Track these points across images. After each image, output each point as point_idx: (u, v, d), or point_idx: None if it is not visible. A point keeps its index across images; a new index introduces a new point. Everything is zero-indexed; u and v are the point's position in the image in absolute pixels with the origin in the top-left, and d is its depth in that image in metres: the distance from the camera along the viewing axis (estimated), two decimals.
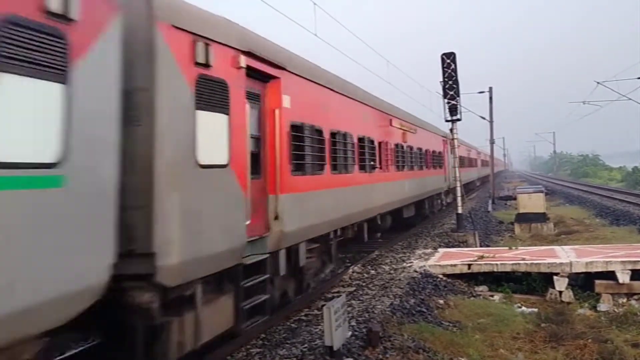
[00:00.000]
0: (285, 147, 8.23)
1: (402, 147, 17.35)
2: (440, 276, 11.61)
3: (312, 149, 9.39)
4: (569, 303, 10.47)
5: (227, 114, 6.40)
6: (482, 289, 11.42)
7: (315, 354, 6.78)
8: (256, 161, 7.58)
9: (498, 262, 11.57)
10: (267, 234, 7.62)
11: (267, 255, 7.48)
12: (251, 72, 7.26)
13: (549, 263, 11.10)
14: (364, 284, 11.31)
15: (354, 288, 10.96)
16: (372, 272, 12.52)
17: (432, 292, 10.52)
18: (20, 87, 3.82)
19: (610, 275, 10.57)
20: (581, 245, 14.46)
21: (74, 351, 6.80)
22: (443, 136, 25.95)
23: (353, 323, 7.93)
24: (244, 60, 6.87)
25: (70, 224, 4.21)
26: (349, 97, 11.87)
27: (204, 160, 5.92)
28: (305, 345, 7.21)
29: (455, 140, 19.59)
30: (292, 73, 8.66)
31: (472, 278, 11.72)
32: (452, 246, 16.07)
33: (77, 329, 4.77)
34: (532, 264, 11.25)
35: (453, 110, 18.69)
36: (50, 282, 4.01)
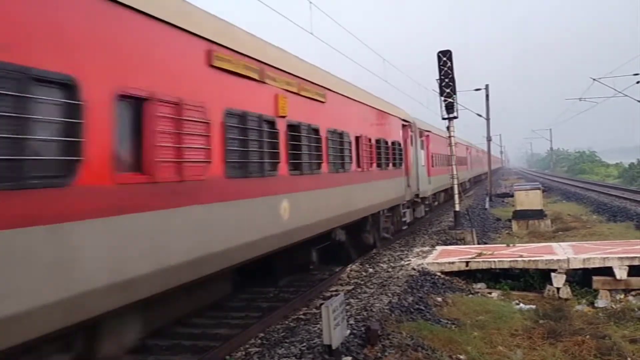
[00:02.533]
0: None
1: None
2: (438, 274, 11.61)
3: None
4: (566, 299, 10.49)
5: (423, 149, 21.40)
6: (480, 286, 11.44)
7: (314, 352, 6.78)
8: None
9: (496, 259, 11.59)
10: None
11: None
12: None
13: (546, 260, 11.12)
14: (362, 282, 11.32)
15: (352, 287, 10.97)
16: (370, 270, 12.52)
17: (431, 290, 10.52)
18: (416, 151, 19.88)
19: (608, 272, 10.59)
20: (578, 241, 14.49)
21: None
22: (467, 144, 44.81)
23: (351, 321, 7.92)
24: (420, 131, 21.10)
25: (400, 180, 16.77)
26: (436, 134, 24.68)
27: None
28: (304, 344, 7.21)
29: (452, 138, 19.62)
30: (430, 132, 23.37)
31: (470, 275, 11.73)
32: (450, 244, 16.07)
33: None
34: (529, 260, 11.27)
35: (450, 108, 18.70)
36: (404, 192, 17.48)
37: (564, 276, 10.79)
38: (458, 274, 11.76)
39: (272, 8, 12.36)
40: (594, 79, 36.47)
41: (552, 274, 10.81)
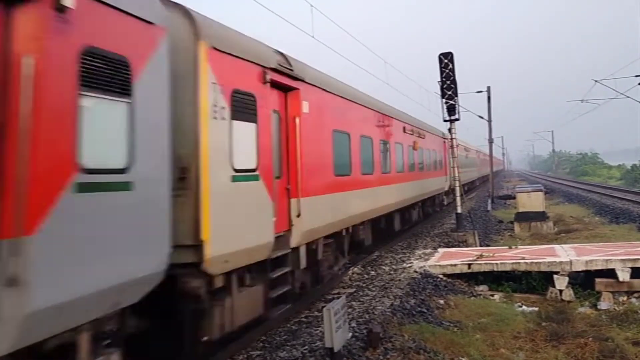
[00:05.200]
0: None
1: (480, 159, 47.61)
2: (441, 276, 11.60)
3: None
4: (569, 302, 10.47)
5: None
6: (482, 288, 11.42)
7: (316, 355, 6.78)
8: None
9: (498, 262, 11.57)
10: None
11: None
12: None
13: (549, 262, 11.10)
14: (364, 285, 11.30)
15: (354, 289, 10.95)
16: (372, 272, 12.51)
17: (433, 292, 10.51)
18: (449, 156, 25.09)
19: (611, 274, 10.57)
20: (581, 243, 14.46)
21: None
22: (477, 148, 53.73)
23: (353, 324, 7.92)
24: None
25: (443, 178, 27.02)
26: (460, 143, 29.50)
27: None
28: (306, 347, 7.20)
29: (454, 140, 19.63)
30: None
31: (472, 278, 11.71)
32: (452, 246, 16.06)
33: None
34: (532, 262, 11.25)
35: (451, 110, 18.68)
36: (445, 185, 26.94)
37: (567, 278, 10.77)
38: (460, 276, 11.75)
39: (273, 11, 12.38)
40: (596, 81, 36.47)
41: (555, 276, 10.79)
